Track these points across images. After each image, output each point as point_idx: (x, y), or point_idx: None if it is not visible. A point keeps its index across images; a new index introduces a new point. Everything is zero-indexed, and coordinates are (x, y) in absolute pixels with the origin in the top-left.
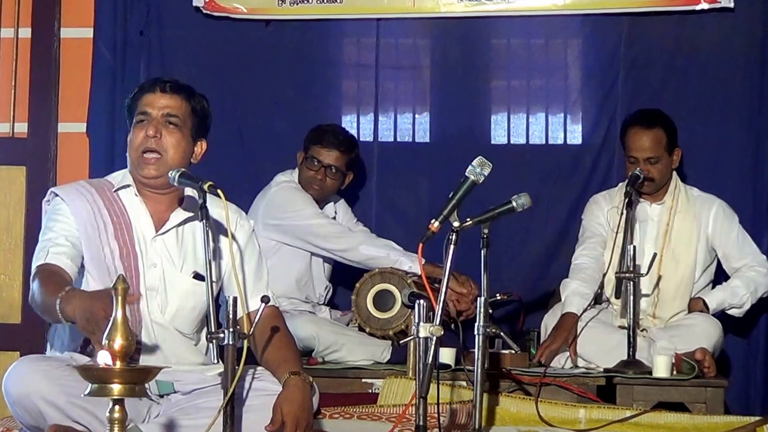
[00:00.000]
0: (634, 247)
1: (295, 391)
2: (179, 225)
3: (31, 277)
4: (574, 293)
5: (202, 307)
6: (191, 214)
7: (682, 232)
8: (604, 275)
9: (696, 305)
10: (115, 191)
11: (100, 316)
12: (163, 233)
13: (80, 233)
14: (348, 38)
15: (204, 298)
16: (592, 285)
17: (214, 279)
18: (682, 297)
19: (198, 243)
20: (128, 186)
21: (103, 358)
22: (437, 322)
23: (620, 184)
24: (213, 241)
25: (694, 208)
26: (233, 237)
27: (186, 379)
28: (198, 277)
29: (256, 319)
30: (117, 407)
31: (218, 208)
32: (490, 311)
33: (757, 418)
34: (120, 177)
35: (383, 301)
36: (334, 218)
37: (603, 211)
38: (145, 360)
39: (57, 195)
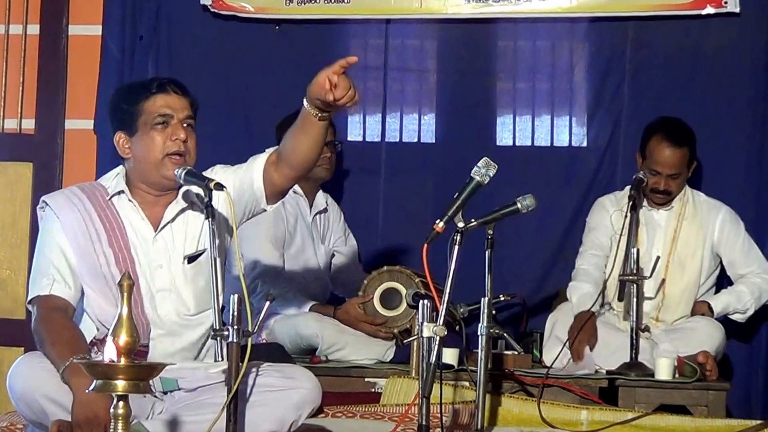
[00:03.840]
0: (638, 250)
1: None
2: (173, 219)
3: (35, 306)
4: (585, 295)
5: (208, 278)
6: (184, 205)
7: (688, 239)
8: (607, 279)
9: (701, 308)
10: (109, 199)
11: (102, 423)
12: (161, 230)
13: (72, 246)
14: (356, 39)
15: (208, 269)
16: (597, 290)
17: (217, 271)
18: (687, 302)
19: (189, 226)
20: (122, 192)
21: (109, 354)
22: (441, 323)
23: (627, 187)
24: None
25: (701, 214)
26: (236, 231)
27: (190, 376)
28: (191, 260)
29: (260, 318)
30: (121, 403)
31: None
32: (494, 312)
33: (759, 421)
34: (114, 181)
35: (390, 299)
36: (326, 210)
37: (609, 214)
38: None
39: (47, 205)
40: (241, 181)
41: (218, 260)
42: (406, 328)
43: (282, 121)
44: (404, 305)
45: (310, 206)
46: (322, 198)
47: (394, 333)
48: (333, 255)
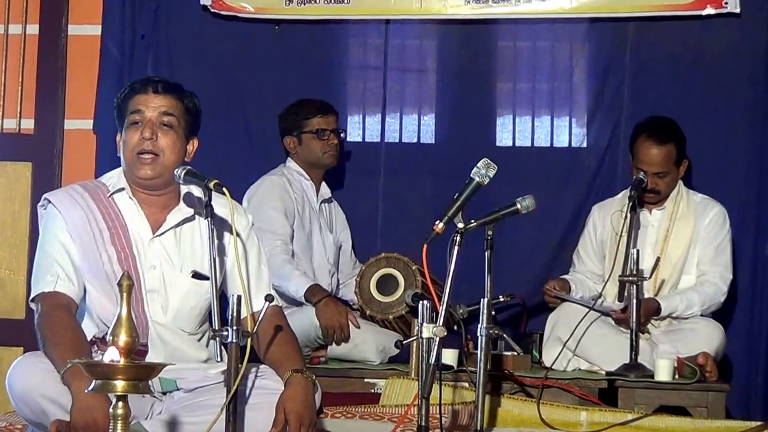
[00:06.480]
0: (638, 251)
1: (297, 389)
2: (176, 226)
3: (39, 303)
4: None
5: (203, 306)
6: (188, 215)
7: (680, 238)
8: (607, 280)
9: (650, 306)
10: (109, 196)
11: (101, 428)
12: (161, 234)
13: (75, 243)
14: (355, 39)
15: (205, 297)
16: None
17: (217, 277)
18: None
19: (196, 242)
20: (122, 189)
21: (109, 355)
22: (440, 323)
23: (621, 193)
24: (217, 239)
25: (695, 213)
26: (237, 235)
27: (189, 377)
28: (197, 276)
29: (260, 318)
30: (120, 403)
31: (219, 205)
32: (493, 313)
33: (759, 423)
34: (115, 179)
35: (386, 285)
36: (331, 199)
37: (600, 222)
38: (150, 360)
39: (50, 202)
40: (244, 284)
41: (217, 260)
42: (401, 315)
43: (295, 112)
44: (400, 291)
45: (317, 193)
46: (326, 187)
47: (389, 320)
48: (341, 246)
